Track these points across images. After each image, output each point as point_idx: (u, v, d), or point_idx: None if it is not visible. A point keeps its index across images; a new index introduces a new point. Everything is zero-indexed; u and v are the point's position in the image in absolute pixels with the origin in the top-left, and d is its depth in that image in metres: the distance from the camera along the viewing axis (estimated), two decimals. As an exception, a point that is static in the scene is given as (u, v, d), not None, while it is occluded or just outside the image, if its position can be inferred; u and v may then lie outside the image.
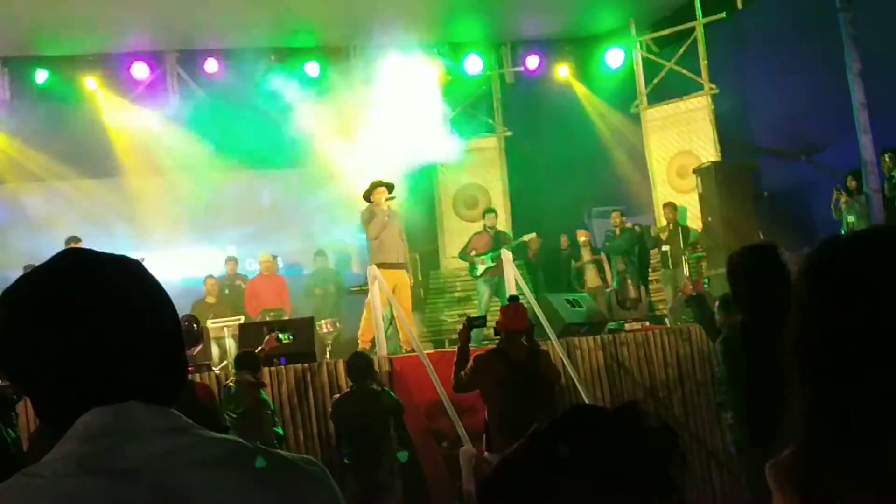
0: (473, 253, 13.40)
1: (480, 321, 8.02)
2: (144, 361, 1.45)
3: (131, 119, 14.37)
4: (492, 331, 8.32)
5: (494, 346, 7.79)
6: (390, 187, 11.71)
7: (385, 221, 11.48)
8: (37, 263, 1.56)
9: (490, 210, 14.10)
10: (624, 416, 1.27)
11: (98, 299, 1.44)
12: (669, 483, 1.24)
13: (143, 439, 1.39)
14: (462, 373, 7.50)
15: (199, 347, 9.36)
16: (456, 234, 14.89)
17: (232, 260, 14.74)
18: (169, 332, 1.51)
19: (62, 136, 14.16)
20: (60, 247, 9.18)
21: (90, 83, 14.45)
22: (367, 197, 11.76)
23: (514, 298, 8.31)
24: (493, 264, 12.97)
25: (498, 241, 13.30)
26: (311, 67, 15.16)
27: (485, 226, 13.75)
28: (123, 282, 1.48)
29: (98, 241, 11.51)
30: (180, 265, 16.07)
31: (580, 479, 1.23)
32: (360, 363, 8.45)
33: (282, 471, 1.45)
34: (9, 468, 1.60)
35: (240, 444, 1.46)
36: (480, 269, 13.19)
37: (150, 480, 1.36)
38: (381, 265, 11.18)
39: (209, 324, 11.89)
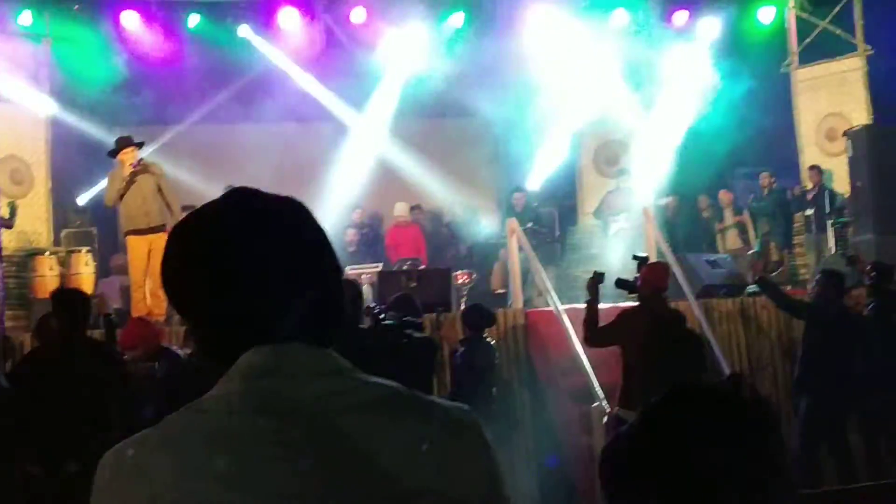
0: (608, 212, 13.25)
1: (602, 277, 7.86)
2: (308, 299, 1.48)
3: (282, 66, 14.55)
4: (618, 289, 8.07)
5: (637, 303, 7.68)
6: (140, 144, 10.79)
7: (122, 187, 10.45)
8: (196, 205, 1.60)
9: (623, 171, 13.77)
10: (727, 391, 1.25)
11: (264, 236, 1.46)
12: (771, 462, 1.23)
13: (302, 381, 1.42)
14: (601, 327, 7.44)
15: None
16: (595, 191, 14.71)
17: (359, 209, 14.87)
18: (332, 271, 1.53)
19: (218, 79, 14.42)
20: (214, 189, 9.41)
21: (243, 29, 14.53)
22: (113, 156, 10.80)
23: (642, 259, 8.03)
24: (626, 225, 12.78)
25: (632, 199, 13.07)
26: (457, 18, 14.97)
27: (618, 185, 13.48)
28: (289, 220, 1.51)
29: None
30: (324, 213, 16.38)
31: (691, 453, 1.24)
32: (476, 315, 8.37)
33: (438, 417, 1.47)
34: None
35: (396, 388, 1.48)
36: (613, 227, 13.04)
37: (309, 421, 1.39)
38: (129, 233, 10.55)
39: (348, 270, 12.14)
